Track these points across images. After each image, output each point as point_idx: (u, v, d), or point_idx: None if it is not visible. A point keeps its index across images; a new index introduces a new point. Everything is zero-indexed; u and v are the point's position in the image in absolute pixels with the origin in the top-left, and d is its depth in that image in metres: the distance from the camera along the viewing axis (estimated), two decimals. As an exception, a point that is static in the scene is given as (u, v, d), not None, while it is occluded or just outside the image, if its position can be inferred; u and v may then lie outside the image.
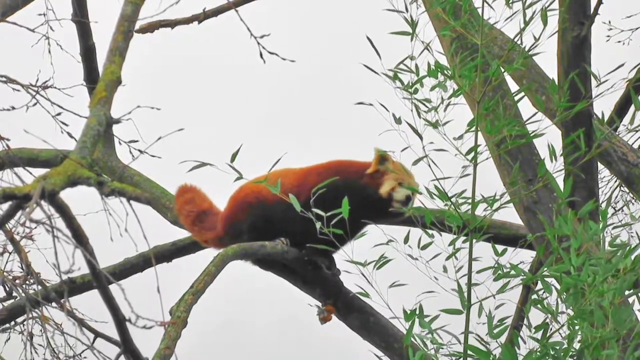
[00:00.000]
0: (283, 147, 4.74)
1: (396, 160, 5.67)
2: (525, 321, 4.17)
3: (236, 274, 5.82)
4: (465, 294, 4.29)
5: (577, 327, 4.01)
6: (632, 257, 4.06)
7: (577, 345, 4.05)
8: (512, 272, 4.24)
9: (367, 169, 5.70)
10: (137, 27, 5.94)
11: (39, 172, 2.90)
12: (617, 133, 6.36)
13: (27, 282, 6.18)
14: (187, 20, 6.39)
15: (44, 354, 6.56)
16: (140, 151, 3.85)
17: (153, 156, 4.49)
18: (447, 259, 4.41)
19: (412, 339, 4.22)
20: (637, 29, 8.44)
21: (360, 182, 5.66)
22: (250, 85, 9.67)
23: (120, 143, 5.54)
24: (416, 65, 4.53)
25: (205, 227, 6.10)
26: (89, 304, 6.56)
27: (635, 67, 6.91)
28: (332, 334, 6.20)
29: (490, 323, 4.07)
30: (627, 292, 4.06)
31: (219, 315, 9.31)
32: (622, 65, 4.77)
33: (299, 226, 5.37)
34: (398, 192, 5.63)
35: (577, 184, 4.32)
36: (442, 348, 4.22)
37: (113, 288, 2.81)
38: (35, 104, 5.56)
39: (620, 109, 7.13)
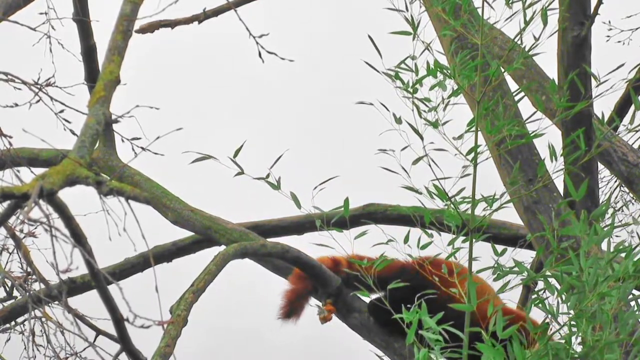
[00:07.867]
0: (282, 146, 4.75)
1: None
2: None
3: (260, 279, 5.82)
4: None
5: (576, 329, 4.01)
6: (634, 258, 4.05)
7: (576, 346, 4.04)
8: (515, 269, 4.24)
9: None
10: (137, 27, 5.95)
11: (41, 171, 2.89)
12: (617, 133, 6.35)
13: (28, 281, 6.19)
14: (187, 20, 6.38)
15: (44, 354, 6.57)
16: (143, 148, 3.86)
17: (156, 153, 4.50)
18: (447, 258, 4.41)
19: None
20: (637, 29, 8.43)
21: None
22: (249, 86, 9.68)
23: (122, 140, 5.55)
24: (415, 65, 4.53)
25: None
26: (89, 304, 6.57)
27: (635, 67, 6.91)
28: (334, 335, 6.20)
29: (500, 322, 4.06)
30: (629, 297, 4.05)
31: (239, 319, 9.30)
32: (622, 65, 4.77)
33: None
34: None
35: (577, 184, 4.31)
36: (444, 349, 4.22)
37: (112, 288, 2.82)
38: (38, 101, 5.55)
39: (620, 109, 7.13)
